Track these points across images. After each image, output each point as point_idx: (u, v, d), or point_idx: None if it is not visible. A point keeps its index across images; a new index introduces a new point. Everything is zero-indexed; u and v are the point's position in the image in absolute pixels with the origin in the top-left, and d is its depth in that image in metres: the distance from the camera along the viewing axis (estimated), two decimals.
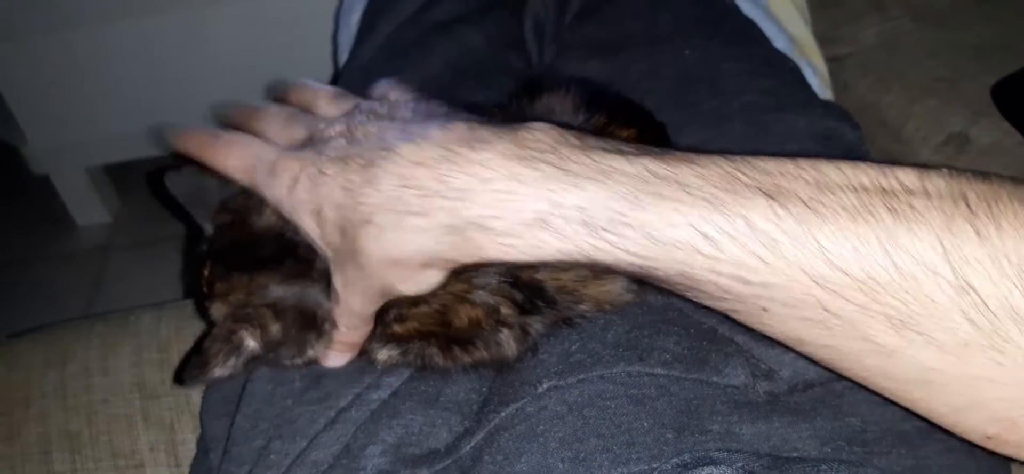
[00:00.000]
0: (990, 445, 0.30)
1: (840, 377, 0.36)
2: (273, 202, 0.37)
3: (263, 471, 0.42)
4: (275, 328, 0.38)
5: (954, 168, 0.29)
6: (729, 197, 0.29)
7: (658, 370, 0.39)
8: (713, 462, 0.34)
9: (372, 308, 0.38)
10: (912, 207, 0.27)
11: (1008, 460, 0.40)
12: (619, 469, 0.35)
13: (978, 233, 0.27)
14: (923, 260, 0.27)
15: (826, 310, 0.29)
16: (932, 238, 0.27)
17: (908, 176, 0.29)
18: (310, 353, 0.40)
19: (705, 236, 0.29)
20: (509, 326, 0.39)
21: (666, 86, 0.58)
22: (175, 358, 0.61)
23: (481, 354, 0.40)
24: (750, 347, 0.41)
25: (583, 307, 0.40)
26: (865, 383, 0.31)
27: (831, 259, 0.28)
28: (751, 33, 0.66)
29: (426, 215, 0.32)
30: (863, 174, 0.29)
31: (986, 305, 0.26)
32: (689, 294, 0.32)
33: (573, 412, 0.37)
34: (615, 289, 0.40)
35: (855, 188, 0.28)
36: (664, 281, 0.31)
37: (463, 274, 0.37)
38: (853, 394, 0.39)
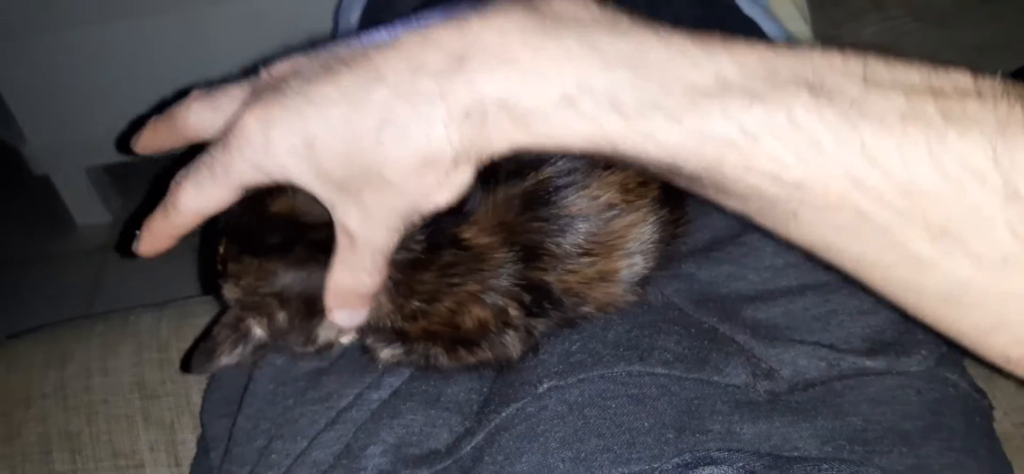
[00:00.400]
0: (1010, 367, 0.28)
1: (841, 376, 0.36)
2: (251, 167, 0.31)
3: (264, 471, 0.42)
4: (281, 316, 0.37)
5: (1010, 79, 0.27)
6: (769, 88, 0.27)
7: (659, 370, 0.39)
8: (714, 462, 0.34)
9: (395, 239, 0.33)
10: (964, 109, 0.25)
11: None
12: (620, 469, 0.35)
13: None
14: (973, 166, 0.25)
15: (862, 215, 0.26)
16: (984, 143, 0.25)
17: (963, 77, 0.27)
18: (321, 339, 0.39)
19: (742, 128, 0.26)
20: (515, 328, 0.39)
21: None
22: (175, 358, 0.61)
23: (485, 354, 0.40)
24: (751, 346, 0.41)
25: (586, 309, 0.40)
26: (888, 295, 0.29)
27: (875, 160, 0.26)
28: (752, 32, 0.66)
29: (446, 99, 0.28)
30: (915, 73, 0.27)
31: None
32: (712, 193, 0.29)
33: (573, 412, 0.37)
34: (617, 291, 0.40)
35: (905, 87, 0.26)
36: (689, 177, 0.29)
37: (476, 274, 0.37)
38: (854, 393, 0.39)
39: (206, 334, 0.38)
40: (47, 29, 1.15)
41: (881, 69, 0.27)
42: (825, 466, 0.33)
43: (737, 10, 0.68)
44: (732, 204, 0.29)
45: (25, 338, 0.64)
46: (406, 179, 0.30)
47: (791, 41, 0.70)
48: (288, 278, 0.37)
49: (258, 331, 0.37)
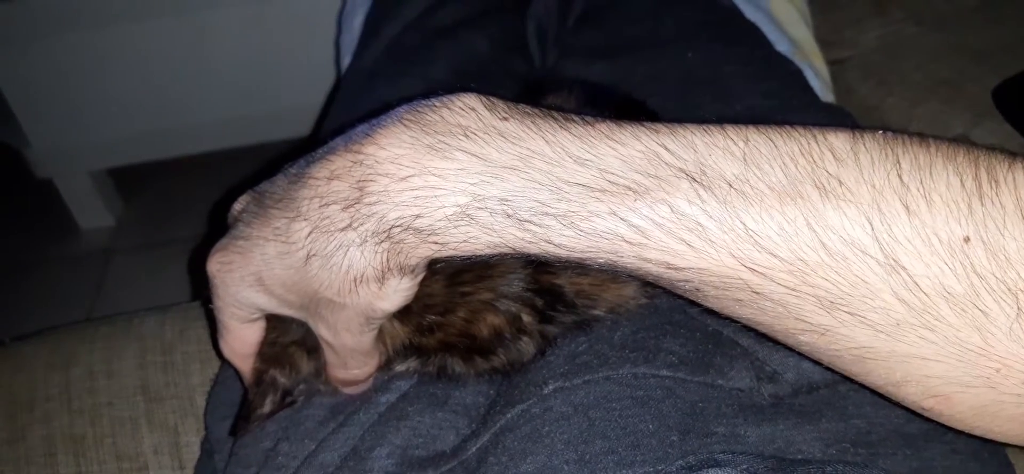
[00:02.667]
0: (929, 415, 0.30)
1: (844, 379, 0.36)
2: (232, 306, 0.35)
3: (271, 473, 0.42)
4: (305, 363, 0.39)
5: (890, 130, 0.28)
6: (652, 182, 0.28)
7: (664, 372, 0.39)
8: (718, 464, 0.34)
9: (369, 336, 0.36)
10: (841, 182, 0.26)
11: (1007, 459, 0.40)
12: (624, 471, 0.35)
13: (908, 209, 0.26)
14: (852, 240, 0.26)
15: (757, 292, 0.28)
16: (860, 217, 0.26)
17: (840, 142, 0.27)
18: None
19: (629, 224, 0.28)
20: (529, 333, 0.39)
21: (669, 89, 0.58)
22: (179, 361, 0.61)
23: (500, 359, 0.40)
24: (755, 350, 0.41)
25: (597, 311, 0.40)
26: (807, 353, 0.31)
27: (758, 242, 0.27)
28: (753, 36, 0.66)
29: (355, 227, 0.30)
30: (794, 143, 0.28)
31: (917, 285, 0.26)
32: (624, 276, 0.31)
33: (578, 413, 0.37)
34: (628, 293, 0.40)
35: (784, 161, 0.27)
36: (596, 269, 0.30)
37: (487, 281, 0.37)
38: (858, 396, 0.39)
39: (242, 404, 0.41)
40: (50, 33, 1.16)
41: (762, 143, 0.28)
42: (829, 469, 0.33)
43: (739, 15, 0.69)
44: (645, 281, 0.31)
45: (29, 341, 0.64)
46: (345, 296, 0.32)
47: (793, 45, 0.70)
48: (302, 329, 0.38)
49: (282, 380, 0.39)
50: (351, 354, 0.37)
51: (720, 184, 0.27)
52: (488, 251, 0.30)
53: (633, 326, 0.41)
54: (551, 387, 0.39)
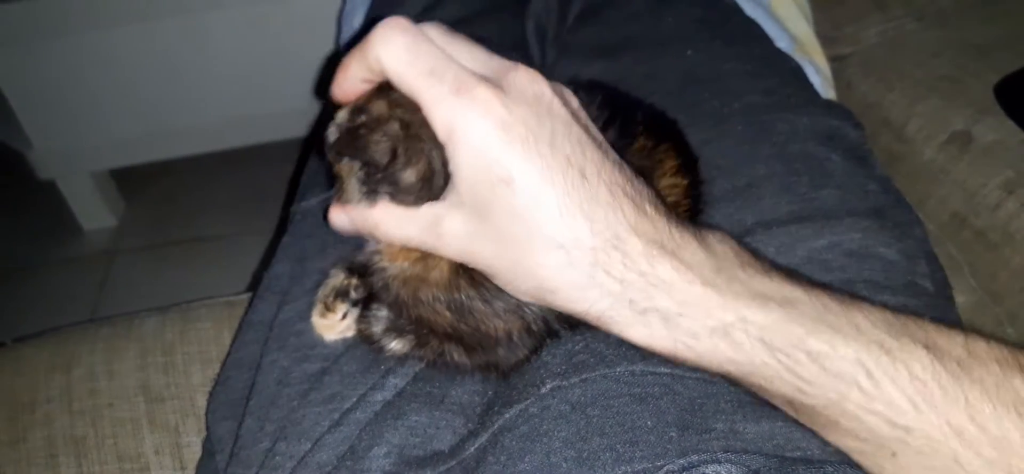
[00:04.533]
0: None
1: None
2: (444, 117, 0.31)
3: (269, 473, 0.42)
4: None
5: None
6: (894, 342, 0.31)
7: (661, 369, 0.39)
8: (717, 461, 0.34)
9: (429, 243, 0.34)
10: None
11: None
12: (622, 468, 0.35)
13: None
14: None
15: (957, 462, 0.31)
16: None
17: None
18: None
19: (869, 373, 0.31)
20: (535, 338, 0.40)
21: (668, 87, 0.58)
22: (179, 361, 0.61)
23: (500, 354, 0.40)
24: None
25: None
26: None
27: (974, 417, 0.30)
28: (753, 33, 0.66)
29: (622, 283, 0.32)
30: (1003, 348, 0.32)
31: None
32: (827, 428, 0.34)
33: (576, 411, 0.37)
34: None
35: (999, 359, 0.31)
36: (810, 409, 0.33)
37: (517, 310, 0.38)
38: None
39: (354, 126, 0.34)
40: (52, 35, 1.16)
41: (980, 343, 0.32)
42: (829, 467, 0.33)
43: (739, 12, 0.69)
44: (839, 438, 0.34)
45: (30, 342, 0.65)
46: (525, 257, 0.33)
47: (793, 41, 0.70)
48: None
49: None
50: (409, 237, 0.34)
51: (950, 361, 0.31)
52: (723, 367, 0.33)
53: None
54: (549, 386, 0.39)
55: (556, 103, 0.33)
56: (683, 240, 0.34)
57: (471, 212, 0.33)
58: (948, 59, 0.82)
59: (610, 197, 0.32)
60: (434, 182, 0.33)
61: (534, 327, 0.39)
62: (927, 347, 0.31)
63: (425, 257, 0.37)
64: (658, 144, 0.42)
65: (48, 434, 0.59)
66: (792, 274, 0.34)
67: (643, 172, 0.36)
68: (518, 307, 0.38)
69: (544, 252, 0.32)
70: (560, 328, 0.40)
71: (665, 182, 0.41)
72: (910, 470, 0.32)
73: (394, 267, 0.38)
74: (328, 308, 0.45)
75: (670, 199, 0.40)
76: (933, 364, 0.31)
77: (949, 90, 0.79)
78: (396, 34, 0.33)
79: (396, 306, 0.40)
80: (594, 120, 0.37)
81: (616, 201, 0.33)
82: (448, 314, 0.38)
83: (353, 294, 0.44)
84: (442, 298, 0.38)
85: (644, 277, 0.33)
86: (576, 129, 0.33)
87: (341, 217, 0.37)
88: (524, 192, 0.31)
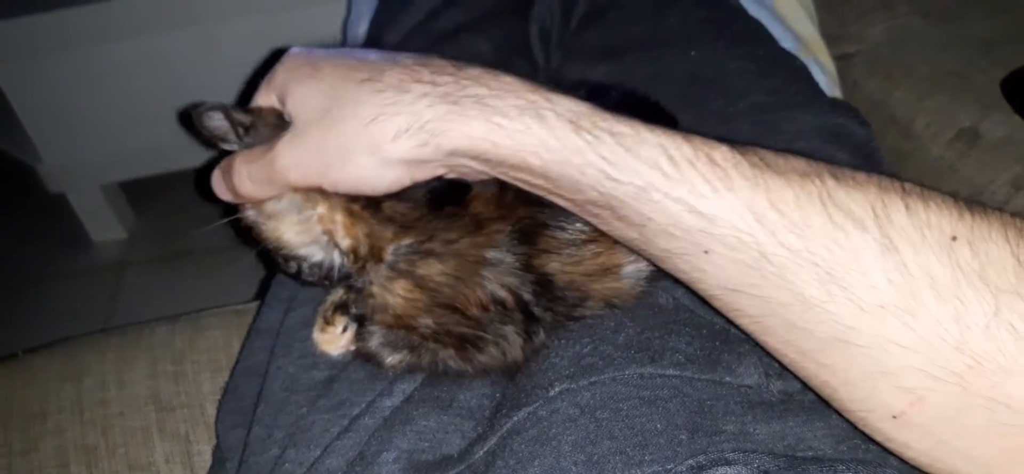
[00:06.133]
0: (895, 429, 0.31)
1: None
2: (277, 83, 0.39)
3: None
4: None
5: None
6: (696, 137, 0.32)
7: (670, 371, 0.39)
8: (728, 462, 0.33)
9: (309, 181, 0.38)
10: (854, 178, 0.31)
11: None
12: (632, 471, 0.35)
13: (908, 207, 0.29)
14: (855, 216, 0.29)
15: (762, 254, 0.31)
16: (865, 201, 0.30)
17: (859, 171, 0.31)
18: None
19: (670, 158, 0.32)
20: (514, 321, 0.40)
21: (673, 88, 0.58)
22: (189, 370, 0.61)
23: (492, 352, 0.40)
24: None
25: (590, 304, 0.40)
26: (787, 347, 0.33)
27: (774, 200, 0.30)
28: (757, 34, 0.66)
29: (435, 83, 0.35)
30: (816, 161, 0.32)
31: (906, 267, 0.28)
32: (644, 229, 0.33)
33: (585, 415, 0.37)
34: (623, 286, 0.40)
35: (807, 164, 0.32)
36: (621, 202, 0.33)
37: (473, 238, 0.38)
38: None
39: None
40: (61, 49, 1.17)
41: (790, 155, 0.32)
42: (841, 467, 0.33)
43: (742, 12, 0.68)
44: (659, 241, 0.33)
45: (41, 353, 0.65)
46: (360, 127, 0.36)
47: (798, 41, 0.70)
48: None
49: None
50: (276, 172, 0.38)
51: (752, 156, 0.32)
52: (534, 148, 0.33)
53: (638, 326, 0.41)
54: (557, 389, 0.39)
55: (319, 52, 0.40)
56: (484, 69, 0.36)
57: (298, 135, 0.37)
58: (954, 55, 0.81)
59: (403, 70, 0.36)
60: (280, 125, 0.39)
61: (502, 294, 0.39)
62: (731, 145, 0.32)
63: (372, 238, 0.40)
64: None
65: (59, 444, 0.59)
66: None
67: None
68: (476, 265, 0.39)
69: (355, 103, 0.36)
70: (530, 299, 0.40)
71: None
72: (726, 270, 0.32)
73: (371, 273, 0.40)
74: (328, 322, 0.46)
75: None
76: (734, 155, 0.31)
77: (956, 86, 0.78)
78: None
79: (381, 315, 0.41)
80: None
81: (408, 70, 0.36)
82: (419, 294, 0.39)
83: (353, 309, 0.45)
84: (402, 256, 0.39)
85: (454, 76, 0.35)
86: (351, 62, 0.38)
87: (217, 181, 0.42)
88: (333, 92, 0.36)
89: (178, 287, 1.38)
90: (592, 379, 0.39)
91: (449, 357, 0.40)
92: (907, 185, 0.30)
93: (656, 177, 0.32)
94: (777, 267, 0.30)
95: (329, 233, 0.40)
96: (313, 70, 0.38)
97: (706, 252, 0.32)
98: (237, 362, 0.54)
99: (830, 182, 0.30)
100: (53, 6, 1.12)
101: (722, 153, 0.32)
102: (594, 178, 0.33)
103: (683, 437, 0.36)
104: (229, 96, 1.40)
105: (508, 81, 0.35)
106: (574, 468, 0.35)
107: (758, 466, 0.33)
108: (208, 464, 0.55)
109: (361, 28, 0.79)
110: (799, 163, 0.31)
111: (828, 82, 0.69)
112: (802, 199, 0.30)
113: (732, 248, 0.31)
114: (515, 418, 0.39)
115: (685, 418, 0.37)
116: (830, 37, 0.78)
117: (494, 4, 0.70)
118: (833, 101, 0.61)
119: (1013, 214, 0.30)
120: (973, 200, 0.30)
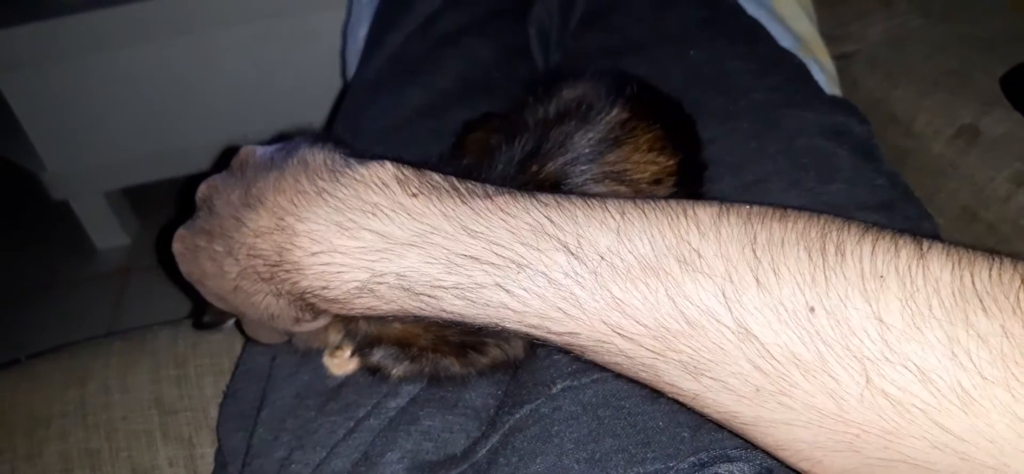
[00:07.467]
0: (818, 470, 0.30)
1: None
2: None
3: None
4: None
5: (758, 205, 0.30)
6: (533, 255, 0.30)
7: None
8: (730, 459, 0.34)
9: (284, 338, 0.41)
10: (700, 255, 0.28)
11: None
12: (635, 468, 0.35)
13: (758, 281, 0.27)
14: (708, 309, 0.28)
15: (628, 356, 0.30)
16: (715, 288, 0.28)
17: (706, 216, 0.29)
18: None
19: (511, 294, 0.30)
20: None
21: (672, 88, 0.58)
22: (192, 373, 0.61)
23: (495, 353, 0.40)
24: None
25: None
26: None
27: (625, 310, 0.29)
28: (756, 33, 0.66)
29: (273, 283, 0.34)
30: (664, 216, 0.30)
31: (769, 352, 0.27)
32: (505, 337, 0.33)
33: (587, 412, 0.37)
34: None
35: (652, 235, 0.29)
36: (485, 331, 0.33)
37: None
38: None
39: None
40: (63, 56, 1.17)
41: (635, 218, 0.30)
42: None
43: (741, 11, 0.69)
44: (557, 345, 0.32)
45: (45, 358, 0.65)
46: (263, 324, 0.38)
47: (797, 41, 0.70)
48: None
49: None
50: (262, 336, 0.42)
51: (593, 256, 0.30)
52: (387, 314, 0.33)
53: None
54: (559, 386, 0.39)
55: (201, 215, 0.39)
56: (306, 212, 0.34)
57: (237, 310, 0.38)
58: (954, 53, 0.81)
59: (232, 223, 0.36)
60: None
61: None
62: (567, 248, 0.30)
63: None
64: (640, 121, 0.42)
65: (63, 448, 0.59)
66: (446, 190, 0.33)
67: (613, 142, 0.40)
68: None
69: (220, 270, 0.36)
70: None
71: (637, 157, 0.41)
72: (604, 360, 0.31)
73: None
74: (337, 346, 0.46)
75: (645, 176, 0.41)
76: (573, 266, 0.30)
77: (956, 84, 0.78)
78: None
79: (377, 340, 0.41)
80: (598, 96, 0.43)
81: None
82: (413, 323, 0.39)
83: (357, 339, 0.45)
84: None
85: (280, 266, 0.34)
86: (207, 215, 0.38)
87: None
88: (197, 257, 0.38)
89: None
90: (594, 376, 0.39)
91: (450, 364, 0.40)
92: (761, 238, 0.28)
93: (506, 314, 0.31)
94: (647, 365, 0.30)
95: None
96: (191, 259, 0.39)
97: (582, 350, 0.32)
98: (237, 366, 0.54)
99: (676, 272, 0.29)
100: (56, 14, 1.12)
101: (561, 268, 0.30)
102: (450, 322, 0.33)
103: (685, 434, 0.36)
104: (231, 103, 1.41)
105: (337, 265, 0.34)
106: (576, 465, 0.35)
107: (760, 463, 0.33)
108: (211, 468, 0.55)
109: (361, 32, 0.80)
110: (645, 247, 0.29)
111: (827, 81, 0.69)
112: (651, 301, 0.29)
113: (598, 353, 0.31)
114: (517, 415, 0.39)
115: (687, 416, 0.37)
116: (830, 36, 0.78)
117: (493, 6, 0.70)
118: (833, 99, 0.61)
119: (897, 233, 0.28)
120: (843, 222, 0.29)
